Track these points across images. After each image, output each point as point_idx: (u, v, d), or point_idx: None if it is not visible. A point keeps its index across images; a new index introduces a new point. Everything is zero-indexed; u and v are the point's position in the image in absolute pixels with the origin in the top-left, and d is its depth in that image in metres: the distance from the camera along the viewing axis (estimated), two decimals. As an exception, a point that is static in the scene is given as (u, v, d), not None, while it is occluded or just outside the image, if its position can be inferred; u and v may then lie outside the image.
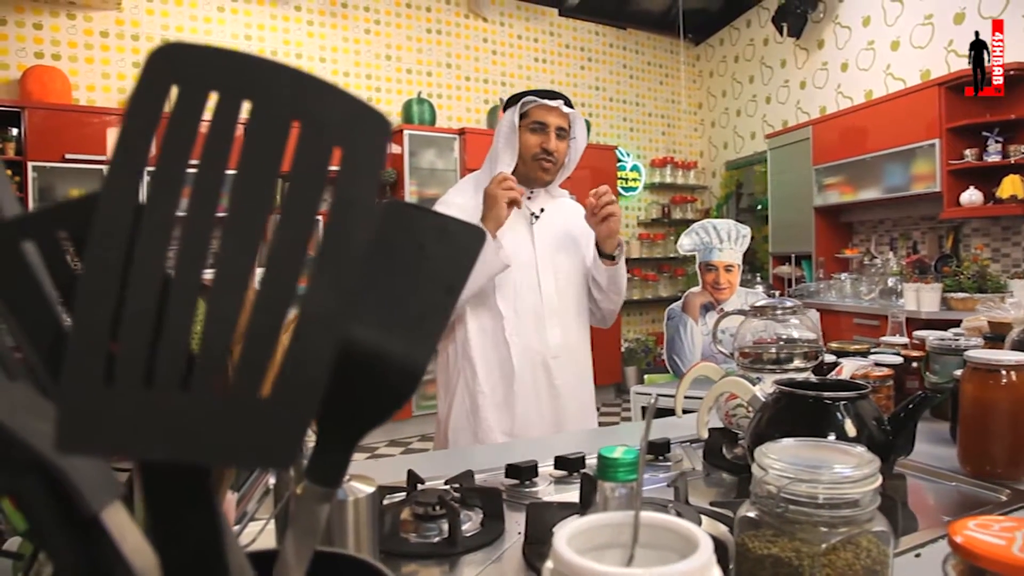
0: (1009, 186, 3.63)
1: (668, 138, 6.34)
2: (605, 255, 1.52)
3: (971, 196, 3.77)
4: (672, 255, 5.93)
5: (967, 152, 3.80)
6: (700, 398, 1.10)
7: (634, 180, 6.07)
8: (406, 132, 4.66)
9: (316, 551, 0.34)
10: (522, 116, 1.52)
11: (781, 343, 1.09)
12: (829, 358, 1.34)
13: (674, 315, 2.30)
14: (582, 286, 1.60)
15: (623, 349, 5.54)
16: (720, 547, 0.62)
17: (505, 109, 1.57)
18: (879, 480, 0.54)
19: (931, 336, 1.38)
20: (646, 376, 3.05)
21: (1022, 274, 3.64)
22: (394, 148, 4.79)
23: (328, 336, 0.24)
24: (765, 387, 0.98)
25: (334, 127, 0.24)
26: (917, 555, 0.74)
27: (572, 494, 0.92)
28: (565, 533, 0.37)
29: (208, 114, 0.25)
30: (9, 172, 3.68)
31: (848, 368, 1.15)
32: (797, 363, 1.06)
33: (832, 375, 1.17)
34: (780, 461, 0.54)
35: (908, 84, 4.31)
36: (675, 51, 6.28)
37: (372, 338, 0.34)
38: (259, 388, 0.23)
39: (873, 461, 0.54)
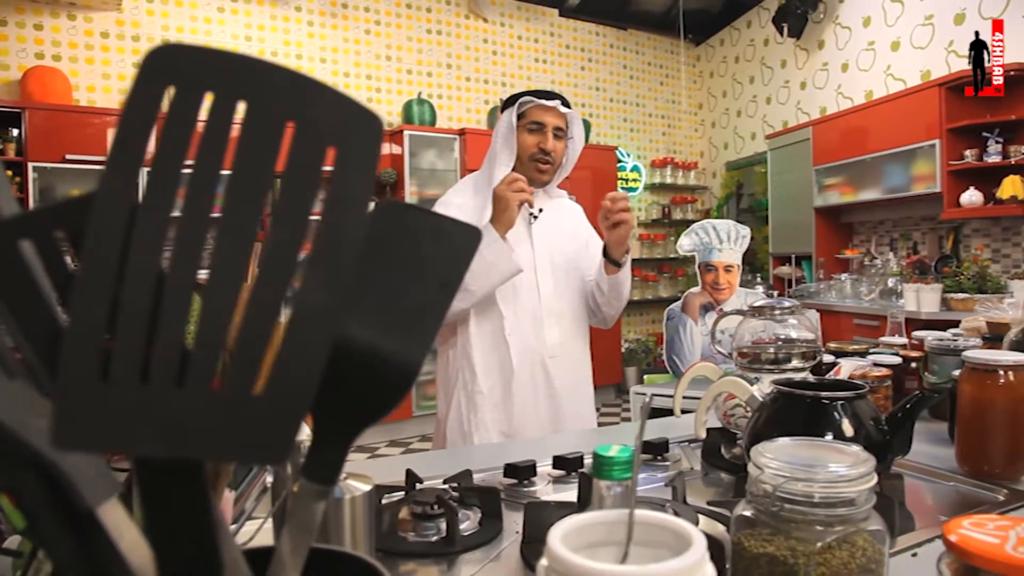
0: (1009, 187, 3.63)
1: (668, 139, 6.34)
2: (611, 260, 1.51)
3: (971, 197, 3.77)
4: (672, 255, 5.94)
5: (967, 153, 3.80)
6: (699, 398, 1.10)
7: (634, 180, 6.07)
8: (406, 132, 4.67)
9: (312, 548, 0.34)
10: (519, 116, 1.53)
11: (779, 343, 1.09)
12: (828, 358, 1.34)
13: (673, 315, 2.30)
14: (580, 286, 1.60)
15: (623, 349, 5.54)
16: (717, 546, 0.62)
17: (503, 110, 1.57)
18: (874, 479, 0.54)
19: (930, 336, 1.38)
20: (646, 376, 3.05)
21: (1022, 275, 3.64)
22: (394, 148, 4.79)
23: (322, 334, 0.24)
24: (763, 387, 0.99)
25: (328, 127, 0.24)
26: (914, 554, 0.74)
27: (570, 493, 0.92)
28: (559, 531, 0.37)
29: (204, 114, 0.25)
30: (10, 173, 3.69)
31: (846, 368, 1.15)
32: (795, 363, 1.07)
33: (830, 375, 1.17)
34: (776, 460, 0.55)
35: (908, 84, 4.32)
36: (675, 51, 6.29)
37: (368, 336, 0.34)
38: (253, 385, 0.23)
39: (868, 460, 0.54)
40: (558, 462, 1.04)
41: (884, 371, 1.24)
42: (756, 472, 0.55)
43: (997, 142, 3.72)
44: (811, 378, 0.98)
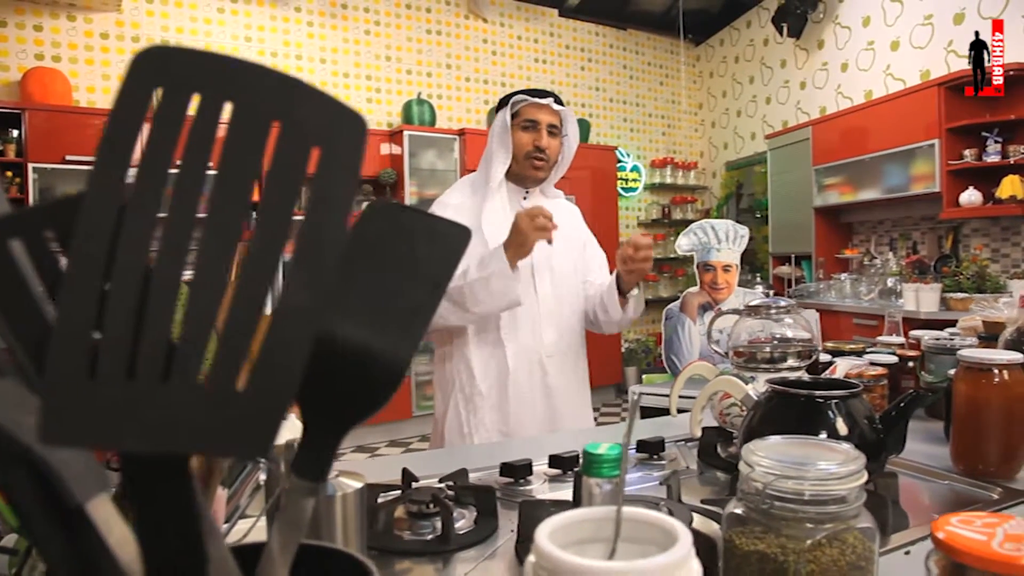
0: (1008, 186, 3.63)
1: (668, 138, 6.35)
2: (620, 291, 1.51)
3: (970, 196, 3.77)
4: (672, 255, 5.93)
5: (966, 152, 3.80)
6: (695, 397, 1.10)
7: (634, 180, 6.08)
8: (406, 133, 4.67)
9: (302, 545, 0.34)
10: (514, 116, 1.53)
11: (775, 342, 1.10)
12: (825, 357, 1.35)
13: (672, 315, 2.31)
14: (577, 287, 1.60)
15: (623, 349, 5.55)
16: (710, 544, 0.63)
17: (497, 110, 1.58)
18: (864, 477, 0.54)
19: (926, 336, 1.38)
20: (644, 376, 3.06)
21: (1021, 274, 3.64)
22: (394, 149, 4.80)
23: (303, 332, 0.24)
24: (758, 386, 0.99)
25: (313, 128, 0.25)
26: (907, 552, 0.75)
27: (566, 492, 0.92)
28: (547, 527, 0.38)
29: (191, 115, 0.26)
30: (9, 174, 3.70)
31: (842, 367, 1.15)
32: (791, 362, 1.07)
33: (826, 374, 1.17)
34: (767, 458, 0.55)
35: (908, 84, 4.32)
36: (675, 51, 6.29)
37: (358, 335, 0.34)
38: (236, 381, 0.24)
39: (859, 458, 0.55)
40: (554, 461, 1.05)
41: (880, 370, 1.24)
42: (747, 470, 0.55)
43: (996, 142, 3.72)
44: (806, 377, 0.98)
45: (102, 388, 0.23)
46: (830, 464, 0.54)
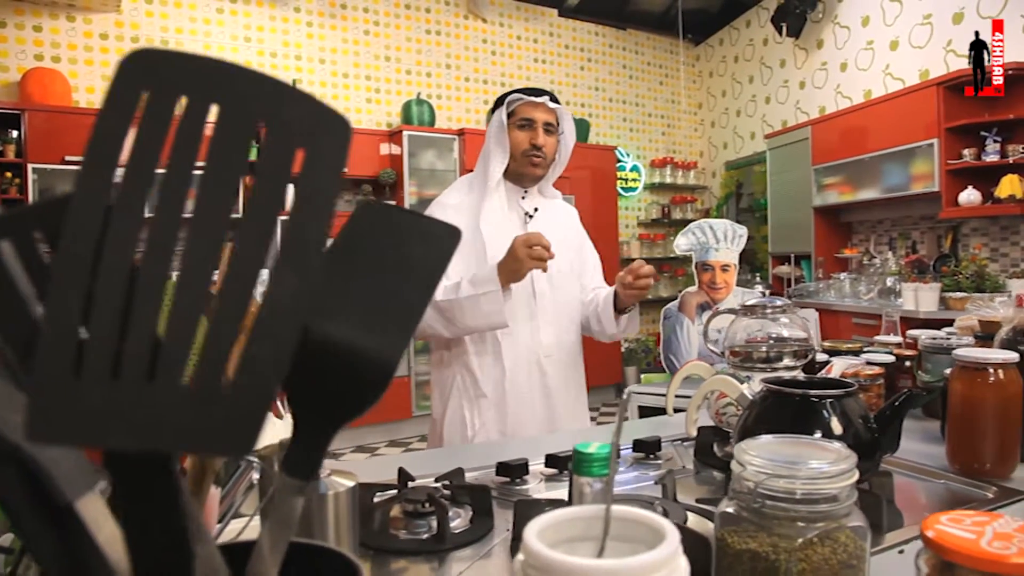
0: (1007, 186, 3.63)
1: (668, 138, 6.35)
2: (617, 308, 1.53)
3: (969, 196, 3.77)
4: (672, 255, 5.94)
5: (965, 152, 3.80)
6: (692, 397, 1.10)
7: (634, 180, 6.08)
8: (405, 133, 4.68)
9: (292, 543, 0.35)
10: (510, 115, 1.54)
11: (771, 342, 1.10)
12: (822, 357, 1.35)
13: (670, 315, 2.31)
14: (575, 288, 1.61)
15: (623, 349, 5.55)
16: (704, 543, 0.63)
17: (493, 110, 1.59)
18: (856, 476, 0.54)
19: (923, 335, 1.38)
20: (643, 376, 3.06)
21: (1020, 274, 3.64)
22: (393, 149, 4.80)
23: (288, 330, 0.25)
24: (753, 385, 0.99)
25: (298, 129, 0.25)
26: (900, 551, 0.75)
27: (562, 492, 0.93)
28: (536, 526, 0.38)
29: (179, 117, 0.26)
30: (9, 174, 3.70)
31: (838, 367, 1.16)
32: (787, 362, 1.07)
33: (822, 373, 1.18)
34: (759, 457, 0.55)
35: (907, 84, 4.32)
36: (675, 51, 6.29)
37: (346, 334, 0.34)
38: (220, 380, 0.24)
39: (850, 457, 0.55)
40: (550, 460, 1.05)
41: (876, 370, 1.24)
42: (739, 469, 0.56)
43: (995, 141, 3.72)
44: (801, 376, 0.98)
45: (88, 387, 0.23)
46: (821, 463, 0.54)
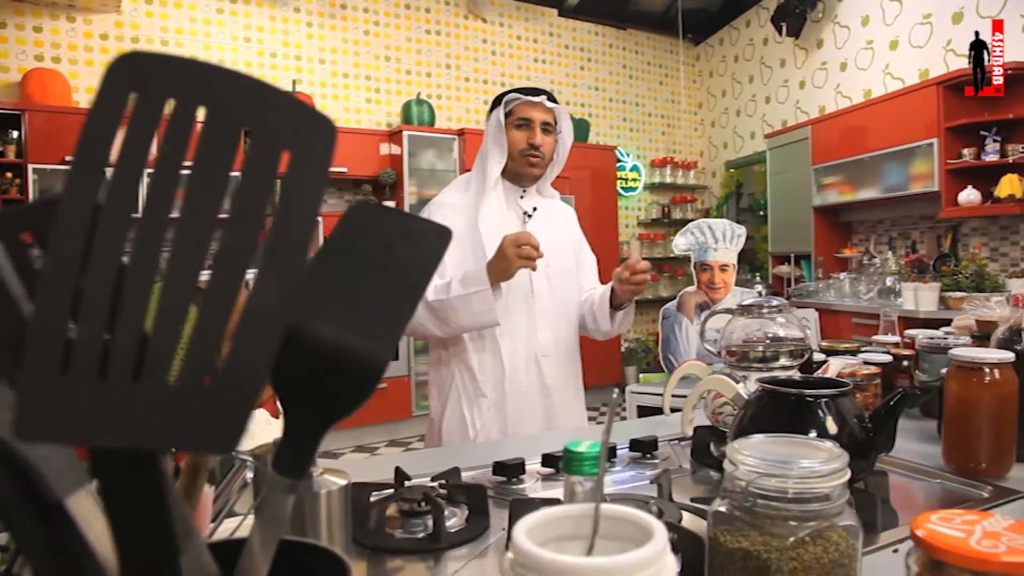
0: (1007, 185, 3.63)
1: (668, 138, 6.35)
2: (613, 305, 1.53)
3: (969, 195, 3.77)
4: (672, 255, 5.94)
5: (965, 151, 3.80)
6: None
7: (634, 180, 6.08)
8: (405, 133, 4.68)
9: (282, 540, 0.35)
10: (507, 114, 1.54)
11: (767, 341, 1.10)
12: (819, 356, 1.35)
13: (669, 314, 2.31)
14: (573, 287, 1.61)
15: (623, 349, 5.55)
16: (698, 542, 0.63)
17: (491, 110, 1.59)
18: (847, 475, 0.55)
19: (921, 335, 1.39)
20: (641, 375, 3.06)
21: (1020, 273, 3.64)
22: (393, 149, 4.80)
23: (271, 332, 0.25)
24: (749, 385, 0.99)
25: (284, 131, 0.25)
26: (895, 551, 0.75)
27: (558, 491, 0.93)
28: (525, 524, 0.38)
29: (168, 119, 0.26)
30: (9, 175, 3.71)
31: (834, 366, 1.16)
32: (783, 361, 1.07)
33: (818, 373, 1.18)
34: (751, 457, 0.55)
35: (907, 83, 4.32)
36: (675, 51, 6.29)
37: (336, 334, 0.35)
38: (204, 379, 0.24)
39: (841, 456, 0.55)
40: (547, 460, 1.05)
41: (873, 369, 1.25)
42: (731, 468, 0.56)
43: (995, 141, 3.72)
44: (797, 376, 0.98)
45: (76, 385, 0.24)
46: (813, 462, 0.54)
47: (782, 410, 0.84)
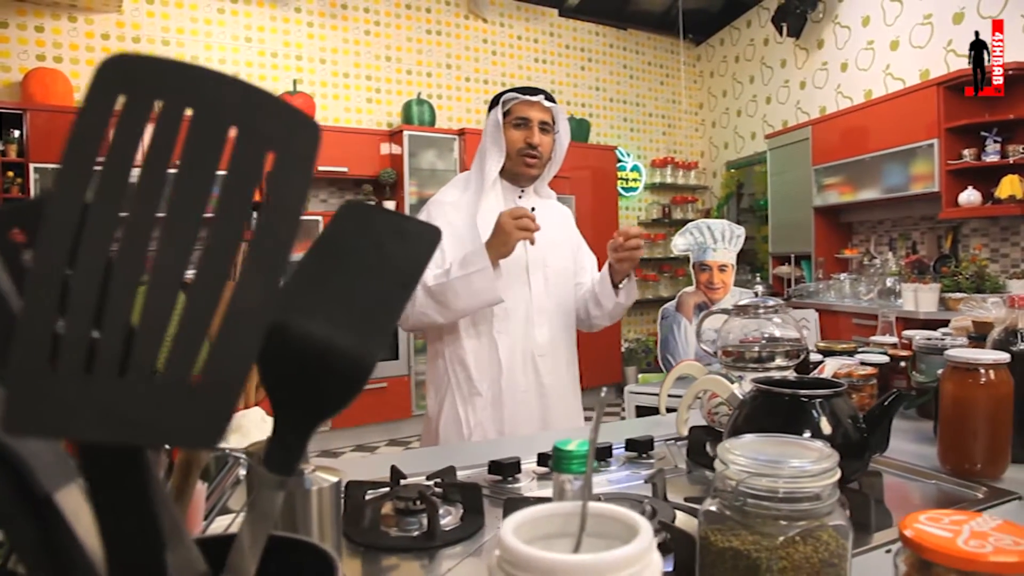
0: (1008, 186, 3.63)
1: (668, 138, 6.35)
2: (614, 283, 1.53)
3: (969, 196, 3.77)
4: (672, 255, 5.94)
5: (965, 152, 3.80)
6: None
7: (634, 180, 6.08)
8: (406, 133, 4.68)
9: (271, 536, 0.35)
10: (505, 114, 1.55)
11: (763, 342, 1.10)
12: (815, 357, 1.35)
13: (668, 314, 2.31)
14: (570, 286, 1.61)
15: (623, 349, 5.55)
16: (690, 541, 0.63)
17: (490, 109, 1.59)
18: (837, 474, 0.55)
19: (917, 335, 1.39)
20: (640, 375, 3.06)
21: (1021, 274, 3.64)
22: (394, 149, 4.81)
23: (254, 330, 0.25)
24: (744, 385, 1.00)
25: (269, 133, 0.26)
26: (887, 551, 0.75)
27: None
28: (513, 522, 0.39)
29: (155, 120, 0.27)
30: (11, 174, 3.72)
31: (831, 367, 1.16)
32: (779, 361, 1.08)
33: (815, 373, 1.18)
34: (741, 456, 0.56)
35: (907, 84, 4.32)
36: (675, 51, 6.29)
37: (325, 332, 0.35)
38: (189, 376, 0.25)
39: (832, 456, 0.55)
40: (542, 459, 1.06)
41: (870, 370, 1.25)
42: (722, 468, 0.56)
43: (995, 141, 3.72)
44: (792, 376, 0.99)
45: (63, 381, 0.24)
46: (803, 462, 0.54)
47: (776, 410, 0.84)
